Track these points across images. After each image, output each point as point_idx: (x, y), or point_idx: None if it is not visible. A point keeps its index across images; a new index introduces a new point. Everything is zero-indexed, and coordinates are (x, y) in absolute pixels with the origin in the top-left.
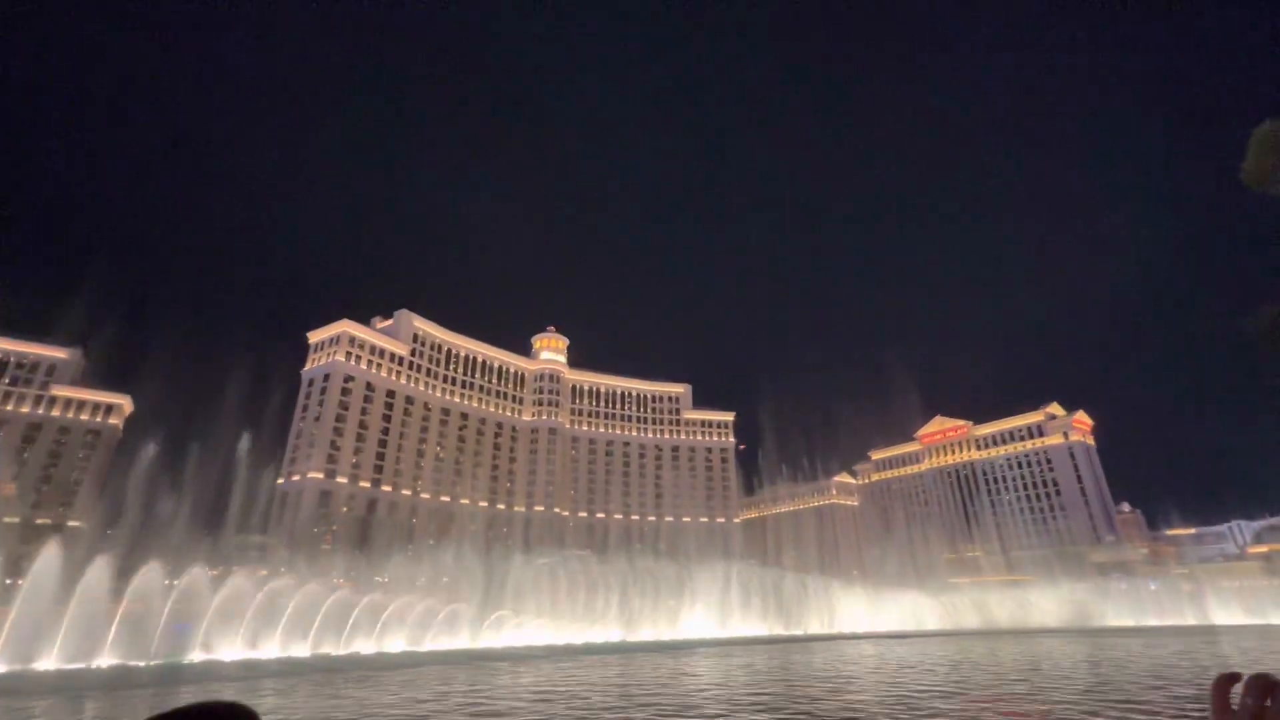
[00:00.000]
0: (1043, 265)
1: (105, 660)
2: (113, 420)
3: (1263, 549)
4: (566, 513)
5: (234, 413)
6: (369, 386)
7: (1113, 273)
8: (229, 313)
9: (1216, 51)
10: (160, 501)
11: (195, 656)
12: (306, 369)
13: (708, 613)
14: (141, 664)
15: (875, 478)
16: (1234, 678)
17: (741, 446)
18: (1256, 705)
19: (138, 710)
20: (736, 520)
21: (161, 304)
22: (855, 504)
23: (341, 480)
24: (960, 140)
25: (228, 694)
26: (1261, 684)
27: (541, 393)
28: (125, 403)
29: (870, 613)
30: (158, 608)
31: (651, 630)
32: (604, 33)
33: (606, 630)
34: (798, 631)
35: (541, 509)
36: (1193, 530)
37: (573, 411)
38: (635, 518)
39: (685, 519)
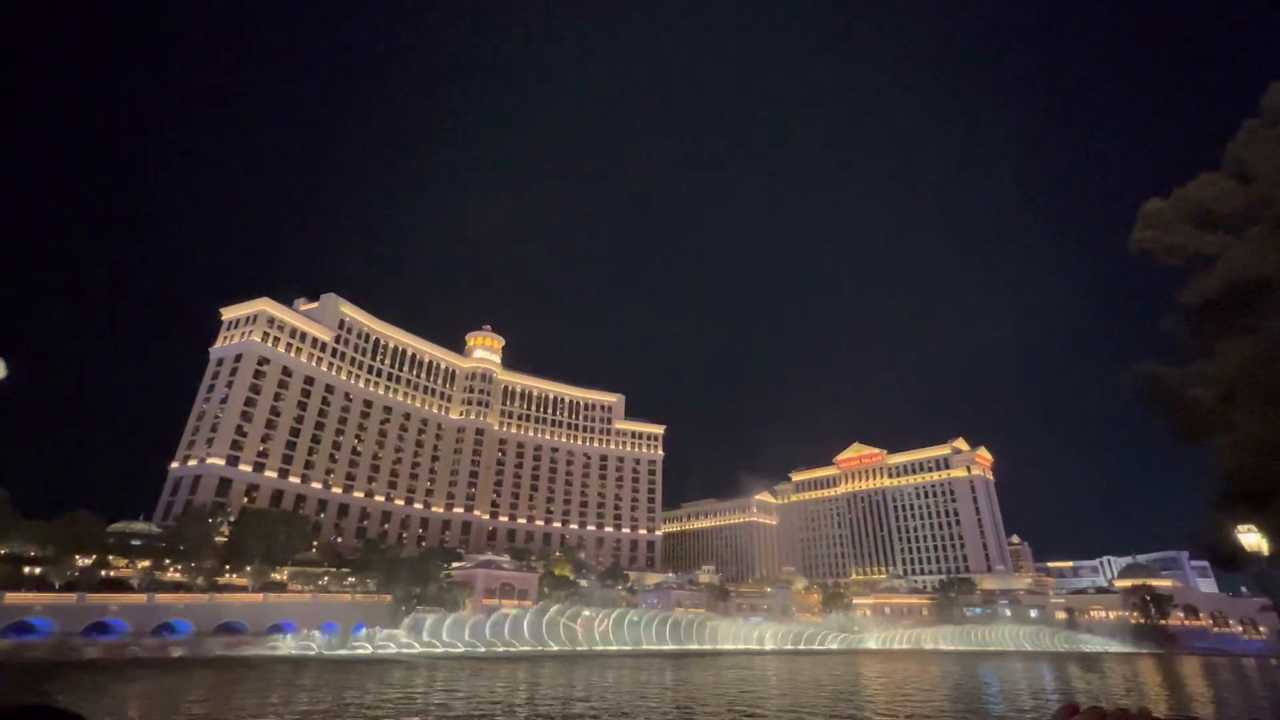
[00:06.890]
0: (955, 313)
1: None
2: None
3: (1126, 583)
4: (487, 516)
5: (126, 387)
6: (285, 371)
7: (1016, 324)
8: (132, 282)
9: (1119, 136)
10: (25, 478)
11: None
12: (216, 347)
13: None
14: None
15: (794, 498)
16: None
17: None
18: None
19: None
20: (659, 533)
21: (54, 266)
22: (774, 522)
23: (245, 468)
24: (890, 201)
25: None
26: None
27: (472, 391)
28: None
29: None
30: None
31: (560, 644)
32: (572, 37)
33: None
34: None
35: (461, 511)
36: (1070, 563)
37: (503, 413)
38: (558, 525)
39: (608, 529)
